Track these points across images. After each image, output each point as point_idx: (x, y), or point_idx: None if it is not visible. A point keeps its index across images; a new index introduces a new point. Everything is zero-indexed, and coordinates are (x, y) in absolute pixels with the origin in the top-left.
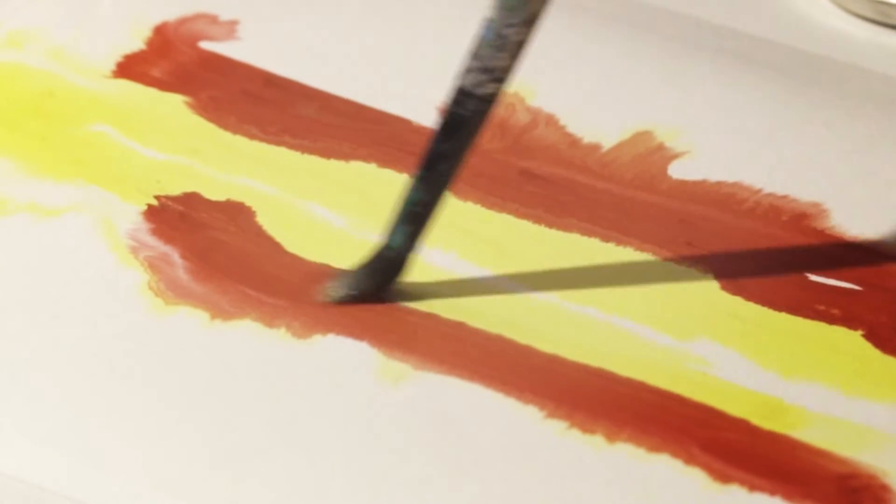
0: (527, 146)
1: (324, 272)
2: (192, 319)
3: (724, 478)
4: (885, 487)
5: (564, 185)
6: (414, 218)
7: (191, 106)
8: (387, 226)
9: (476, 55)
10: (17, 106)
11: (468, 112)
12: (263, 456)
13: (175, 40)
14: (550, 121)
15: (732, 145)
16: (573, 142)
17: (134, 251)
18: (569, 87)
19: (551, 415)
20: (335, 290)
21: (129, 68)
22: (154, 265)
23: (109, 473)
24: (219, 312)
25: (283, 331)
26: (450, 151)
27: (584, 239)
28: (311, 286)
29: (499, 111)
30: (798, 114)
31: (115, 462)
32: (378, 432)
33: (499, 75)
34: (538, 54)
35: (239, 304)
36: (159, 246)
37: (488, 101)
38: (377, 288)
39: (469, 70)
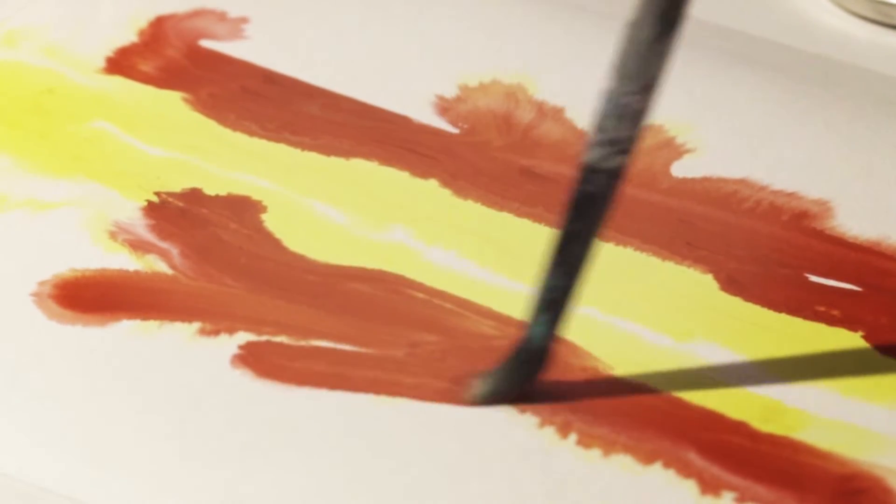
0: (532, 142)
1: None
2: (188, 322)
3: (721, 484)
4: (886, 490)
5: (565, 183)
6: (553, 305)
7: (190, 103)
8: (526, 317)
9: (599, 128)
10: (17, 104)
11: (598, 188)
12: (262, 456)
13: (175, 38)
14: (557, 116)
15: (732, 145)
16: (581, 135)
17: (114, 239)
18: (571, 86)
19: (547, 422)
20: (479, 389)
21: (128, 65)
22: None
23: (109, 473)
24: (215, 314)
25: (280, 337)
26: (583, 231)
27: None
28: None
29: (504, 106)
30: (798, 114)
31: (115, 462)
32: (374, 438)
33: (625, 146)
34: (541, 53)
35: (236, 304)
36: (157, 242)
37: (616, 174)
38: (521, 383)
39: (594, 144)
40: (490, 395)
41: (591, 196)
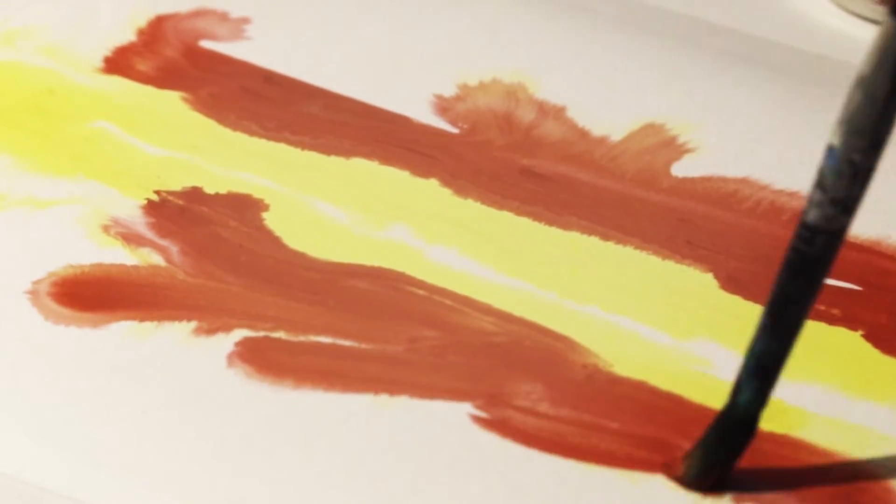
0: (533, 141)
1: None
2: (187, 320)
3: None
4: (886, 489)
5: (565, 182)
6: (763, 371)
7: (190, 102)
8: (734, 382)
9: (821, 186)
10: (18, 104)
11: (818, 250)
12: (262, 456)
13: (174, 38)
14: (558, 115)
15: (732, 145)
16: (582, 134)
17: (107, 233)
18: (572, 85)
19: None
20: (688, 465)
21: (127, 65)
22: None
23: (109, 473)
24: (215, 312)
25: (278, 332)
26: (799, 294)
27: (584, 237)
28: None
29: (505, 105)
30: (798, 114)
31: (115, 462)
32: (372, 438)
33: (849, 206)
34: (542, 52)
35: (236, 302)
36: (157, 240)
37: (839, 235)
38: (730, 454)
39: (815, 204)
40: (700, 470)
41: (811, 258)
